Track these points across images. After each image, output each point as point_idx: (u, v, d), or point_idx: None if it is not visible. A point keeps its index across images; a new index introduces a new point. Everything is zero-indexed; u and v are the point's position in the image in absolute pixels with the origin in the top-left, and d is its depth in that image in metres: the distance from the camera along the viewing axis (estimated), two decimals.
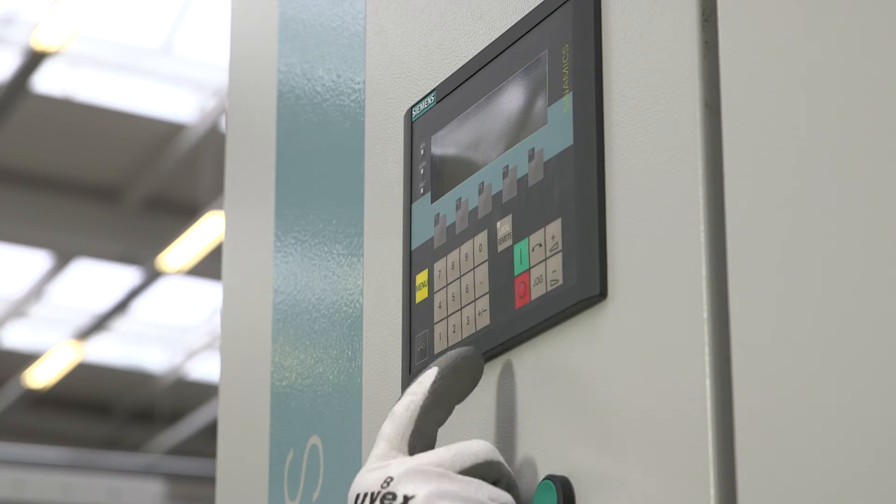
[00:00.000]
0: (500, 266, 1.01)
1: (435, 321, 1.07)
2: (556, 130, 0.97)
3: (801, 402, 0.76)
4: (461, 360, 0.96)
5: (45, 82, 8.43)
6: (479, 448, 0.93)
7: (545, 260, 0.96)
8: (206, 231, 8.80)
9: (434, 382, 0.95)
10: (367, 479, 0.91)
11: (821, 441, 0.75)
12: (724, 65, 0.85)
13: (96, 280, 10.38)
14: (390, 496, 0.89)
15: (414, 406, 0.94)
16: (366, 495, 0.90)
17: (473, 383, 0.97)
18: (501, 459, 0.93)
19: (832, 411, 0.75)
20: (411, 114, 1.14)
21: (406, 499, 0.89)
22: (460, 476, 0.91)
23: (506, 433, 0.99)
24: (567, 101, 0.97)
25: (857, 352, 0.74)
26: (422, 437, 0.94)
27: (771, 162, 0.81)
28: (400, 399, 0.96)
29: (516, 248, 0.99)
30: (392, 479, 0.90)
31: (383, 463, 0.92)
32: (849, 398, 0.74)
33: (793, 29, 0.81)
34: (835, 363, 0.75)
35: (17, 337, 11.39)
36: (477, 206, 1.04)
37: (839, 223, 0.76)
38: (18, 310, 10.93)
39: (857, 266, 0.75)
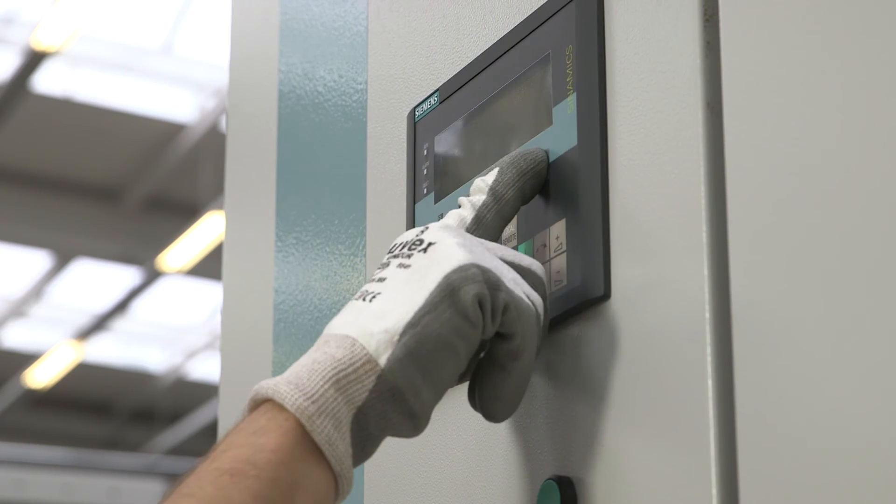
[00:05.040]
0: None
1: None
2: (561, 131, 0.97)
3: (803, 402, 0.76)
4: (521, 156, 0.97)
5: (45, 82, 8.43)
6: (530, 259, 0.93)
7: (549, 260, 0.96)
8: (206, 231, 8.80)
9: (495, 180, 0.96)
10: (407, 234, 0.93)
11: (822, 441, 0.75)
12: (726, 65, 0.85)
13: (96, 280, 10.38)
14: (418, 242, 0.91)
15: (476, 201, 0.95)
16: (402, 244, 0.92)
17: (538, 177, 0.97)
18: (545, 281, 0.93)
19: (833, 411, 0.75)
20: (414, 114, 1.14)
21: (430, 245, 0.90)
22: (495, 248, 0.91)
23: (509, 433, 0.99)
24: (571, 102, 0.97)
25: (859, 351, 0.74)
26: (481, 226, 0.95)
27: (772, 162, 0.81)
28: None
29: (521, 249, 0.99)
30: (427, 229, 0.92)
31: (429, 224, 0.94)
32: (850, 398, 0.74)
33: (794, 29, 0.81)
34: (836, 363, 0.75)
35: (17, 337, 11.38)
36: None
37: (841, 223, 0.76)
38: (18, 310, 10.93)
39: (858, 266, 0.75)
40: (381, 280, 0.90)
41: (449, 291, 0.87)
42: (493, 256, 0.90)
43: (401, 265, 0.90)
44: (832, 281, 0.76)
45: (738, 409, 0.81)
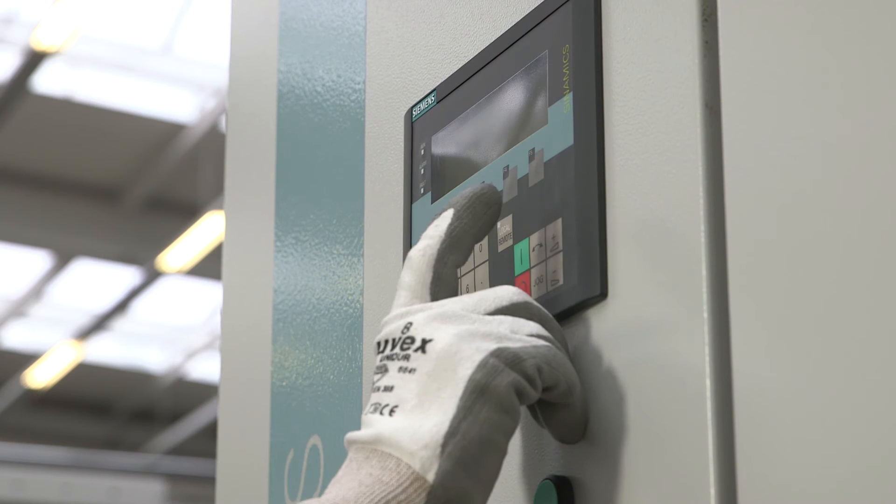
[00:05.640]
0: (501, 266, 1.01)
1: None
2: (557, 130, 0.97)
3: (802, 402, 0.76)
4: (477, 198, 0.94)
5: (45, 82, 8.43)
6: (504, 291, 0.91)
7: (546, 260, 0.96)
8: (206, 231, 8.80)
9: (450, 225, 0.93)
10: (390, 327, 0.90)
11: (821, 441, 0.75)
12: (724, 65, 0.85)
13: (96, 280, 10.38)
14: (409, 340, 0.88)
15: (431, 251, 0.93)
16: (387, 342, 0.89)
17: (492, 221, 0.94)
18: (530, 299, 0.91)
19: (833, 411, 0.75)
20: (411, 114, 1.14)
21: (424, 342, 0.88)
22: (481, 316, 0.89)
23: None
24: (567, 102, 0.97)
25: (859, 351, 0.74)
26: (443, 285, 0.92)
27: (771, 162, 0.81)
28: (416, 245, 0.94)
29: (517, 248, 0.99)
30: (412, 324, 0.89)
31: (405, 310, 0.90)
32: (850, 398, 0.74)
33: (793, 29, 0.81)
34: (836, 363, 0.75)
35: (17, 337, 11.39)
36: None
37: (840, 223, 0.76)
38: (18, 310, 10.93)
39: (858, 266, 0.75)
40: (389, 389, 0.88)
41: (479, 391, 0.85)
42: (484, 323, 0.89)
43: (402, 370, 0.88)
44: (832, 280, 0.76)
45: (736, 408, 0.81)
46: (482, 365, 0.86)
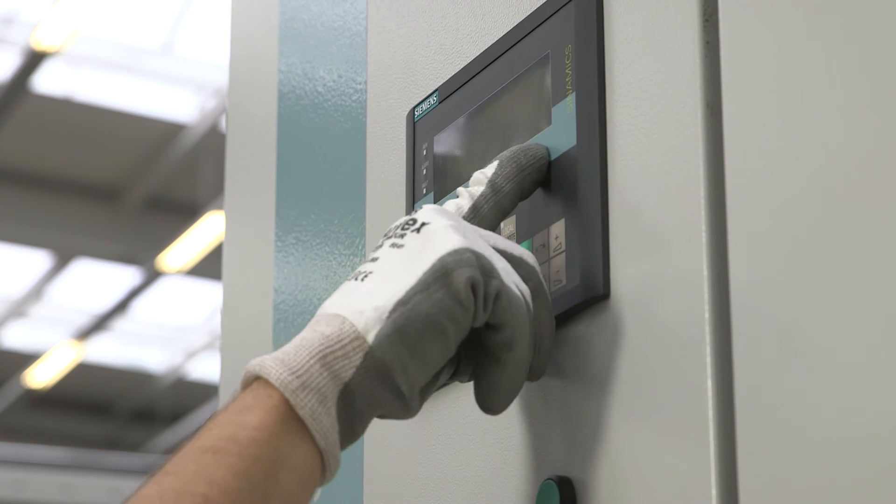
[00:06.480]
0: None
1: None
2: (560, 131, 0.97)
3: (802, 402, 0.76)
4: (522, 150, 0.97)
5: (45, 82, 8.43)
6: (520, 247, 0.93)
7: (549, 260, 0.96)
8: (206, 231, 8.80)
9: (494, 173, 0.96)
10: (401, 218, 0.93)
11: (822, 441, 0.75)
12: (726, 65, 0.85)
13: (96, 280, 10.38)
14: (411, 222, 0.91)
15: (471, 194, 0.96)
16: (396, 225, 0.92)
17: (539, 172, 0.97)
18: (537, 267, 0.92)
19: (833, 411, 0.75)
20: (413, 114, 1.14)
21: (423, 224, 0.90)
22: (485, 237, 0.91)
23: (508, 433, 0.99)
24: (570, 102, 0.97)
25: (859, 352, 0.74)
26: (478, 216, 0.95)
27: (772, 162, 0.81)
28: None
29: None
30: (418, 210, 0.92)
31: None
32: (850, 398, 0.74)
33: (794, 29, 0.81)
34: (836, 363, 0.75)
35: (17, 337, 11.38)
36: None
37: (841, 223, 0.76)
38: (18, 310, 10.93)
39: (858, 266, 0.75)
40: (374, 260, 0.90)
41: (443, 273, 0.87)
42: (486, 244, 0.90)
43: (393, 245, 0.90)
44: (832, 279, 0.76)
45: (737, 408, 0.81)
46: (457, 251, 0.87)
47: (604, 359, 0.91)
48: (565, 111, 0.97)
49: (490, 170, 0.97)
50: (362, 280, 0.89)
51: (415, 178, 1.12)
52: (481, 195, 0.96)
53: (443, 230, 0.89)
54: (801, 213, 0.78)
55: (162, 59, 8.63)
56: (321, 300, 1.31)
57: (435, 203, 1.09)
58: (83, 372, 11.40)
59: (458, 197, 0.97)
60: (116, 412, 12.31)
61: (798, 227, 0.78)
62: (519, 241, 1.00)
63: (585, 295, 0.93)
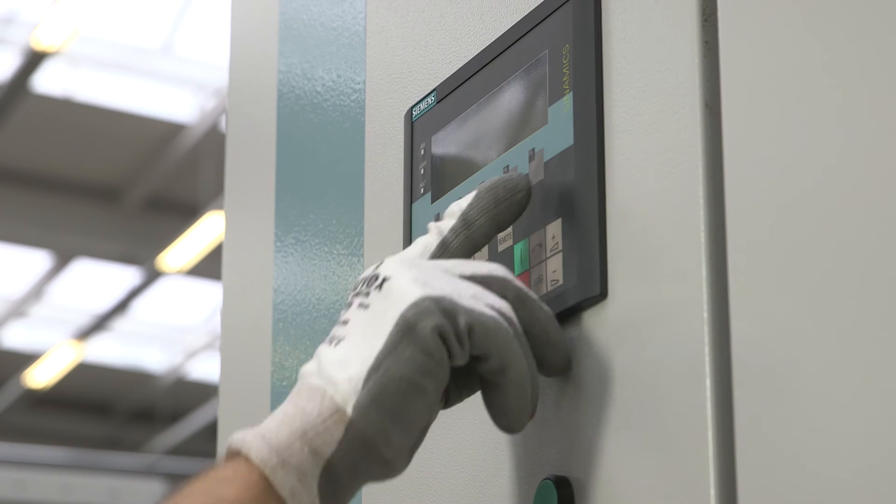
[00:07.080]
0: None
1: None
2: (557, 130, 0.97)
3: (802, 402, 0.76)
4: (501, 182, 0.95)
5: (45, 82, 8.43)
6: (487, 263, 0.91)
7: (545, 260, 0.96)
8: (206, 231, 8.80)
9: (469, 205, 0.94)
10: (367, 270, 0.92)
11: (821, 442, 0.75)
12: (724, 65, 0.85)
13: (96, 280, 10.38)
14: (375, 278, 0.90)
15: (443, 226, 0.95)
16: (362, 281, 0.91)
17: (518, 205, 0.94)
18: (510, 277, 0.91)
19: (833, 411, 0.75)
20: (411, 114, 1.14)
21: (384, 280, 0.89)
22: (452, 275, 0.89)
23: (505, 433, 0.99)
24: (567, 101, 0.97)
25: (859, 352, 0.74)
26: (448, 253, 0.94)
27: (771, 162, 0.81)
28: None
29: (516, 248, 0.99)
30: (382, 264, 0.91)
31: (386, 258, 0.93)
32: (850, 398, 0.74)
33: (793, 29, 0.81)
34: (836, 363, 0.75)
35: (17, 337, 11.38)
36: None
37: (840, 223, 0.76)
38: (18, 310, 10.93)
39: (858, 266, 0.75)
40: (345, 323, 0.89)
41: (406, 329, 0.85)
42: (451, 277, 0.89)
43: (360, 305, 0.89)
44: (832, 280, 0.76)
45: (736, 409, 0.81)
46: (416, 304, 0.86)
47: (601, 359, 0.91)
48: (563, 110, 0.97)
49: (465, 201, 0.95)
50: (335, 346, 0.88)
51: (413, 177, 1.12)
52: (451, 229, 0.94)
53: (404, 284, 0.87)
54: (800, 213, 0.78)
55: (162, 59, 8.63)
56: (320, 300, 1.32)
57: (435, 205, 1.09)
58: (83, 372, 11.41)
59: (427, 233, 0.95)
60: (116, 412, 12.31)
61: (798, 227, 0.78)
62: (515, 242, 1.00)
63: (582, 295, 0.93)
